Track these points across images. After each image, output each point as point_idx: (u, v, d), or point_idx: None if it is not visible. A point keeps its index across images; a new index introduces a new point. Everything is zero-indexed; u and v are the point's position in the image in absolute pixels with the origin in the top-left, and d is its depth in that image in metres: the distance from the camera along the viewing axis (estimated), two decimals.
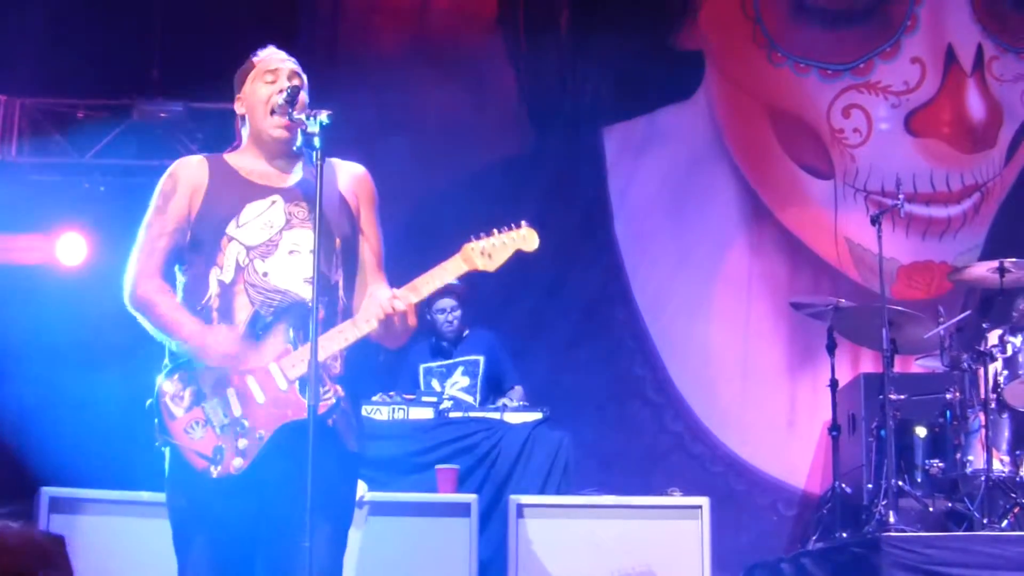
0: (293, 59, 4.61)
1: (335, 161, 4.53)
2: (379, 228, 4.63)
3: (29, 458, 9.19)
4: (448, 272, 4.37)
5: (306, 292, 4.27)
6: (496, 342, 8.66)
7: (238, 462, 4.19)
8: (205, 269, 4.37)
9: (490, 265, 4.37)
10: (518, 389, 8.41)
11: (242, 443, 4.20)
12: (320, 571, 4.10)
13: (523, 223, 4.41)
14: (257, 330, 4.28)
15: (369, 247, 4.58)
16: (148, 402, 4.30)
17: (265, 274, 4.33)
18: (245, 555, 4.30)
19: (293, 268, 4.35)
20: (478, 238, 4.38)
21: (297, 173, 4.53)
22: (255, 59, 4.60)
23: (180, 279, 4.45)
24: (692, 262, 10.53)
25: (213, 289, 4.35)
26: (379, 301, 4.31)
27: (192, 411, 4.24)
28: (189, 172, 4.50)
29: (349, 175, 4.60)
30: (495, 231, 4.39)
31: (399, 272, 4.63)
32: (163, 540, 4.44)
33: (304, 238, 4.36)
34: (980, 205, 10.49)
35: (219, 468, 4.19)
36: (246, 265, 4.34)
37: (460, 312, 8.57)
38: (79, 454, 8.61)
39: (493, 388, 8.43)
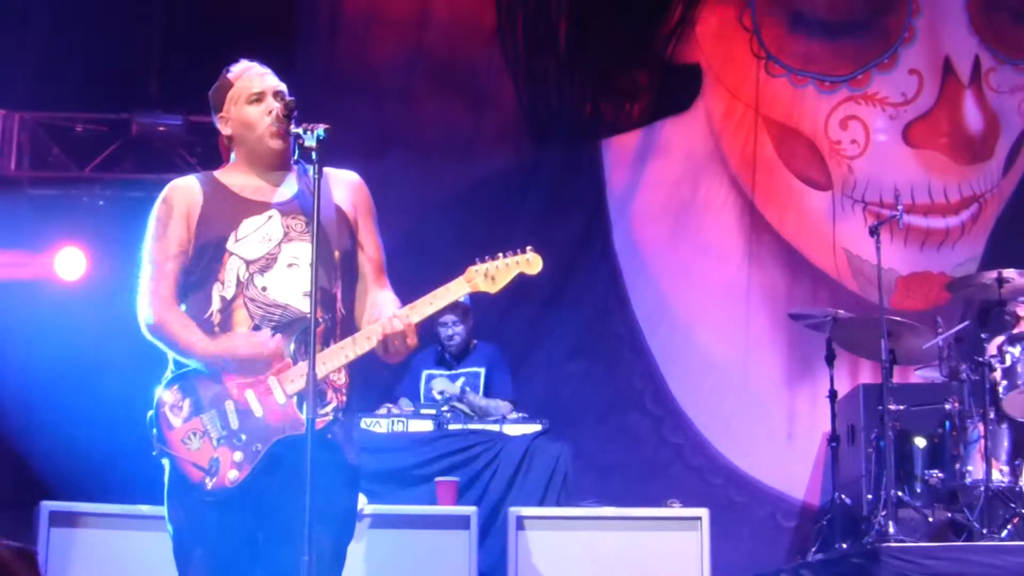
0: (269, 70, 4.59)
1: (329, 171, 4.51)
2: (378, 235, 4.63)
3: (29, 471, 9.20)
4: (452, 293, 4.37)
5: (306, 306, 4.28)
6: (497, 355, 8.66)
7: (233, 474, 4.20)
8: (208, 286, 4.38)
9: (492, 287, 4.38)
10: (505, 404, 8.36)
11: (238, 456, 4.21)
12: None
13: (528, 248, 4.42)
14: None
15: (368, 255, 4.58)
16: (149, 414, 4.31)
17: (264, 288, 4.34)
18: (245, 568, 4.30)
19: (292, 282, 4.35)
20: (482, 260, 4.39)
21: (291, 186, 4.53)
22: (231, 76, 4.57)
23: (182, 297, 4.44)
24: (691, 273, 10.54)
25: (215, 305, 4.35)
26: (379, 320, 4.32)
27: (190, 422, 4.25)
28: (182, 194, 4.49)
29: (344, 185, 4.60)
30: (499, 254, 4.41)
31: (398, 285, 4.64)
32: (163, 553, 4.44)
33: (303, 251, 4.37)
34: (978, 216, 10.50)
35: (215, 480, 4.20)
36: (246, 280, 4.34)
37: (463, 328, 8.56)
38: (79, 468, 8.63)
39: (488, 396, 8.43)
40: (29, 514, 6.80)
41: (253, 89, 4.51)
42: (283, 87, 4.53)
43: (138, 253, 4.48)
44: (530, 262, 4.41)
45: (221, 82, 4.58)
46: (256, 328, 4.30)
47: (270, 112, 4.45)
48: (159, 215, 4.48)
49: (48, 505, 6.73)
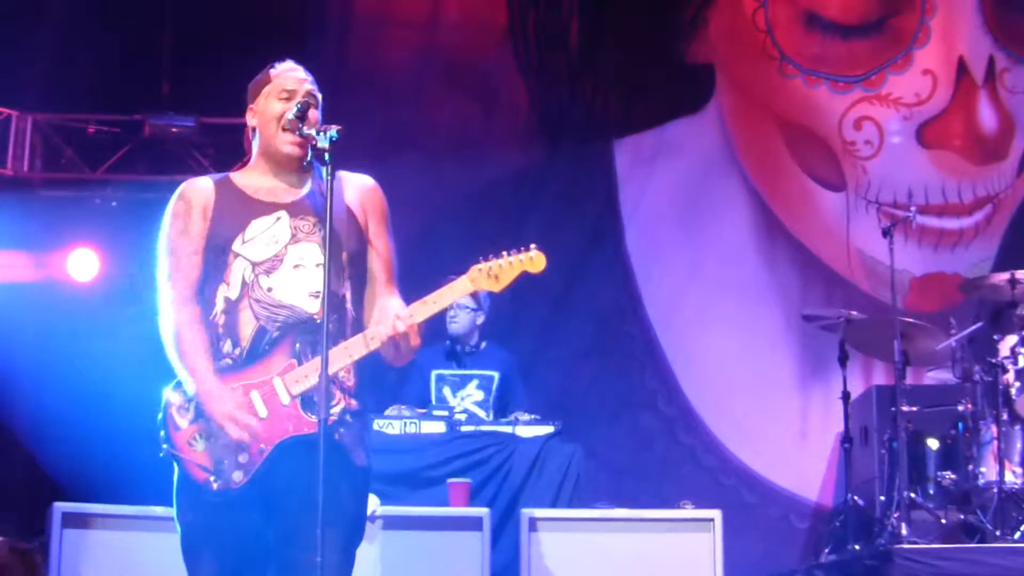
0: (311, 77, 4.61)
1: (343, 174, 4.52)
2: (390, 240, 4.62)
3: (42, 472, 9.22)
4: (455, 292, 4.39)
5: (311, 306, 4.30)
6: (512, 362, 8.61)
7: (238, 475, 4.21)
8: (213, 287, 4.38)
9: (496, 286, 4.39)
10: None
11: (243, 457, 4.22)
12: None
13: (532, 246, 4.43)
14: (263, 346, 4.29)
15: (378, 259, 4.57)
16: (159, 416, 4.32)
17: (270, 289, 4.34)
18: (255, 568, 4.30)
19: (298, 282, 4.35)
20: (486, 259, 4.40)
21: (305, 189, 4.54)
22: (272, 72, 4.59)
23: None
24: (703, 274, 10.52)
25: (219, 306, 4.35)
26: (383, 321, 4.32)
27: (196, 423, 4.26)
28: (199, 192, 4.51)
29: (356, 188, 4.60)
30: (504, 253, 4.41)
31: (408, 285, 4.63)
32: (175, 554, 4.44)
33: (309, 252, 4.38)
34: (992, 216, 10.47)
35: (220, 481, 4.21)
36: (251, 281, 4.34)
37: (470, 312, 8.46)
38: (91, 469, 8.64)
39: (503, 406, 8.40)
40: (42, 515, 6.82)
41: (287, 87, 4.53)
42: (318, 96, 4.56)
43: (155, 251, 4.49)
44: (533, 260, 4.41)
45: (262, 76, 4.61)
46: (261, 330, 4.31)
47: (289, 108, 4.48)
48: (177, 211, 4.49)
49: (60, 506, 6.73)
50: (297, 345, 4.29)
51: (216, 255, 4.40)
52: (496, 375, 8.41)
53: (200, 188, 4.53)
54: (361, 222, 4.55)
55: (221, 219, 4.44)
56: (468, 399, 8.31)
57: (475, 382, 8.38)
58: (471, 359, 8.51)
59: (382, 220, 4.62)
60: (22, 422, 9.43)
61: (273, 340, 4.30)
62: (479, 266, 4.39)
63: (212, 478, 4.21)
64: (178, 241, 4.45)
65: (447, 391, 8.37)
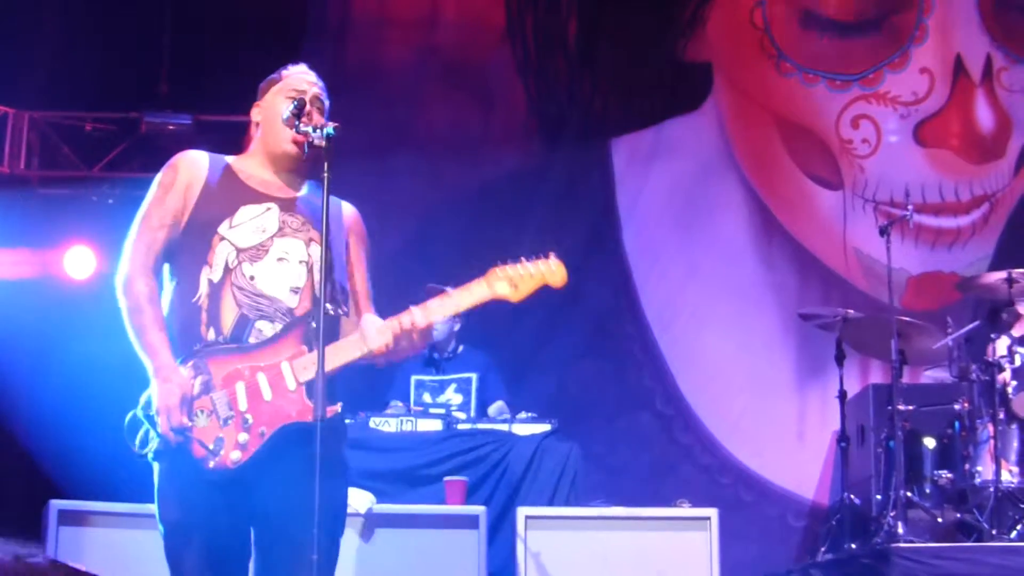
0: (322, 83, 4.66)
1: (334, 197, 4.53)
2: (367, 268, 4.66)
3: (38, 470, 9.22)
4: (473, 295, 4.35)
5: (291, 301, 4.33)
6: (491, 362, 8.61)
7: (236, 455, 4.20)
8: (196, 267, 4.38)
9: (514, 296, 4.35)
10: (498, 403, 8.34)
11: (243, 437, 4.21)
12: None
13: (551, 255, 4.38)
14: (245, 336, 4.29)
15: (360, 279, 4.62)
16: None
17: (252, 278, 4.35)
18: (239, 559, 4.30)
19: (280, 275, 4.37)
20: (505, 263, 4.36)
21: (299, 192, 4.55)
22: (284, 73, 4.64)
23: (170, 276, 4.46)
24: (701, 273, 10.53)
25: (203, 288, 4.36)
26: (382, 332, 4.31)
27: (200, 399, 4.25)
28: (188, 166, 4.53)
29: (345, 213, 4.66)
30: (523, 259, 4.35)
31: (407, 284, 4.65)
32: None
33: (294, 247, 4.41)
34: (989, 215, 10.47)
35: (216, 459, 4.19)
36: (234, 267, 4.36)
37: (449, 319, 8.44)
38: (88, 466, 8.64)
39: (484, 405, 8.40)
40: (38, 513, 6.82)
41: (296, 87, 4.57)
42: (326, 101, 4.61)
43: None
44: (555, 272, 4.37)
45: (274, 76, 4.66)
46: (243, 317, 4.31)
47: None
48: (163, 180, 4.53)
49: (57, 504, 6.74)
50: (312, 325, 4.28)
51: (200, 234, 4.41)
52: (474, 376, 8.42)
53: (192, 162, 4.55)
54: (345, 239, 4.60)
55: (211, 199, 4.46)
56: (448, 403, 8.32)
57: (453, 386, 8.39)
58: (449, 364, 8.55)
59: (363, 246, 4.68)
60: (18, 420, 9.42)
61: (273, 334, 4.30)
62: (499, 271, 4.36)
63: (209, 456, 4.20)
64: (151, 210, 4.49)
65: (426, 396, 8.38)
